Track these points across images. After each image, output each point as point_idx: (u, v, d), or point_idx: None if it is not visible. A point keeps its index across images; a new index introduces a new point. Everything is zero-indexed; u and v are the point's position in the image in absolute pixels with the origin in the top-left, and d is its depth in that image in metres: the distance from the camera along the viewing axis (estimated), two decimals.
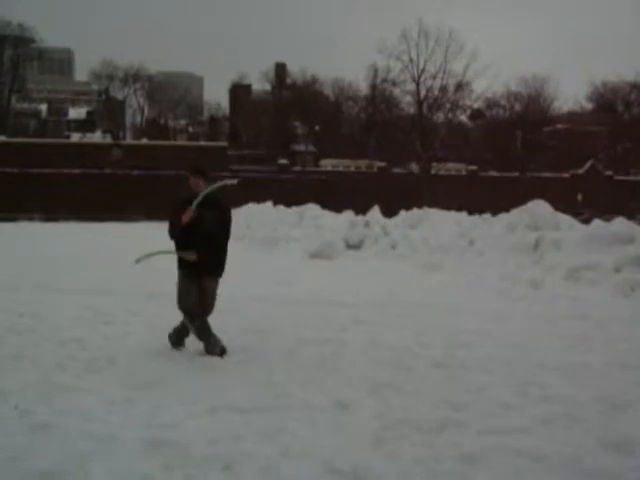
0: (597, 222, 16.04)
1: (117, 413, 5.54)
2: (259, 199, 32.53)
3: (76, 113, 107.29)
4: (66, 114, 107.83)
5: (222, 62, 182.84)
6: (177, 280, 7.41)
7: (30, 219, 42.64)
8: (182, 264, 7.34)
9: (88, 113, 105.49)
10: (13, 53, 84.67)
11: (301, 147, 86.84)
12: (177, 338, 7.62)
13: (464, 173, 69.29)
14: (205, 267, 7.31)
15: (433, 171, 66.21)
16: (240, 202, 32.94)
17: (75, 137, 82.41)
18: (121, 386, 6.23)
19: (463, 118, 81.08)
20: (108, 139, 75.16)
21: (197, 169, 7.52)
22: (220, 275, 7.50)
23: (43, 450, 4.81)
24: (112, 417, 5.45)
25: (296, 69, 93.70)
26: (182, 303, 7.34)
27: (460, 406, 5.81)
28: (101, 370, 6.78)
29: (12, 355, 7.33)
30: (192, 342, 7.59)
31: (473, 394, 6.15)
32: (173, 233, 7.31)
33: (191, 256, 7.19)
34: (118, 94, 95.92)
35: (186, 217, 7.07)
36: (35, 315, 9.59)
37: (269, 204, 30.65)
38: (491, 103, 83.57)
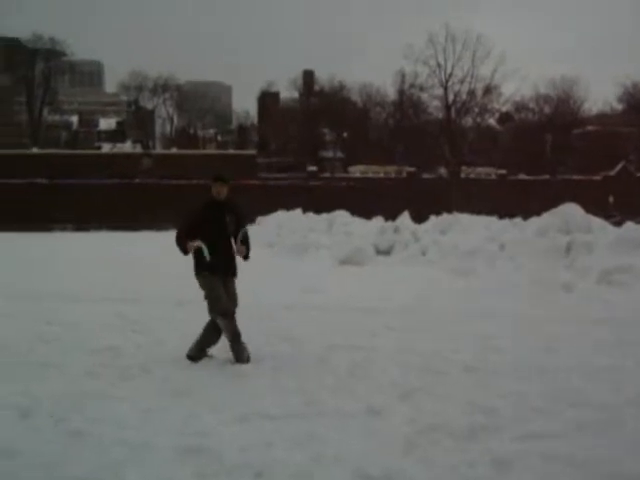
0: (629, 224, 15.87)
1: (150, 421, 5.59)
2: (288, 206, 32.50)
3: (106, 124, 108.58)
4: (96, 125, 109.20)
5: (250, 71, 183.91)
6: (204, 286, 7.46)
7: (62, 229, 43.14)
8: (207, 267, 7.38)
9: (118, 124, 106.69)
10: (45, 66, 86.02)
11: (329, 154, 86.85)
12: (198, 351, 7.58)
13: (493, 177, 68.92)
14: (231, 268, 7.56)
15: (462, 175, 66.03)
16: (269, 210, 33.04)
17: (106, 147, 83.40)
18: (154, 394, 6.29)
19: (492, 122, 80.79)
20: (138, 149, 75.96)
21: (219, 177, 7.64)
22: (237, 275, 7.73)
23: (77, 458, 4.86)
24: (146, 425, 5.50)
25: (324, 76, 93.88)
26: (222, 306, 7.37)
27: (492, 411, 5.77)
28: (134, 378, 6.85)
29: (44, 364, 7.43)
30: (222, 350, 7.62)
31: (505, 399, 6.10)
32: (179, 243, 7.40)
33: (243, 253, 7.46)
34: (147, 104, 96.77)
35: (190, 248, 7.30)
36: (65, 324, 9.71)
37: (298, 211, 30.64)
38: (520, 106, 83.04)
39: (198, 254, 7.35)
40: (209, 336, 7.57)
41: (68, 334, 8.99)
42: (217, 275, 7.40)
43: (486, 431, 5.32)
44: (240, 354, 7.38)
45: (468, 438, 5.20)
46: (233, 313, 7.47)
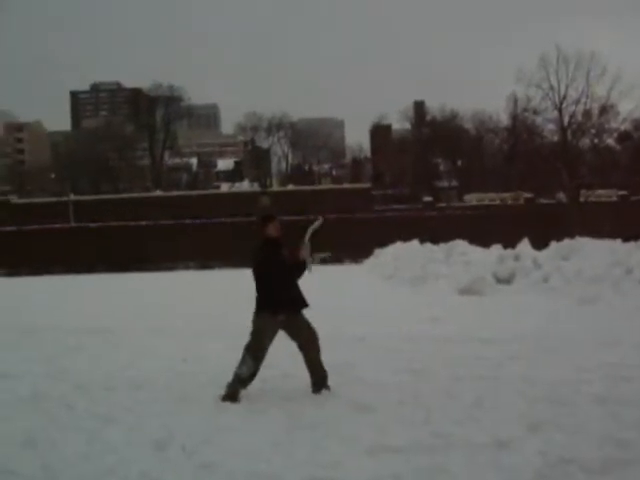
0: None
1: (280, 453, 5.70)
2: (405, 238, 32.42)
3: (224, 164, 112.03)
4: (215, 166, 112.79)
5: (361, 104, 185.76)
6: (259, 328, 7.68)
7: (186, 268, 44.48)
8: (272, 304, 7.62)
9: (235, 163, 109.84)
10: (165, 112, 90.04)
11: (444, 183, 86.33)
12: (320, 381, 7.70)
13: (615, 199, 66.52)
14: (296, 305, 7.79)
15: (582, 199, 64.08)
16: (386, 241, 33.06)
17: (224, 187, 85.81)
18: (282, 427, 6.41)
19: (610, 142, 78.14)
20: (256, 187, 77.66)
21: (273, 216, 8.04)
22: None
23: None
24: (275, 457, 5.61)
25: (435, 105, 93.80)
26: (260, 355, 7.66)
27: (626, 443, 5.58)
28: (262, 411, 7.00)
29: (178, 398, 7.69)
30: (344, 384, 7.69)
31: (639, 430, 5.90)
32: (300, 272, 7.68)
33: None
34: (263, 143, 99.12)
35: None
36: (198, 359, 10.01)
37: (415, 242, 30.53)
38: (639, 124, 79.98)
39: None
40: (322, 367, 7.70)
41: (199, 369, 9.29)
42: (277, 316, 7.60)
43: (621, 464, 5.15)
44: (229, 392, 7.49)
45: (602, 472, 5.05)
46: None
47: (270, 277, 7.54)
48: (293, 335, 7.74)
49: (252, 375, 7.58)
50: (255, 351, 7.56)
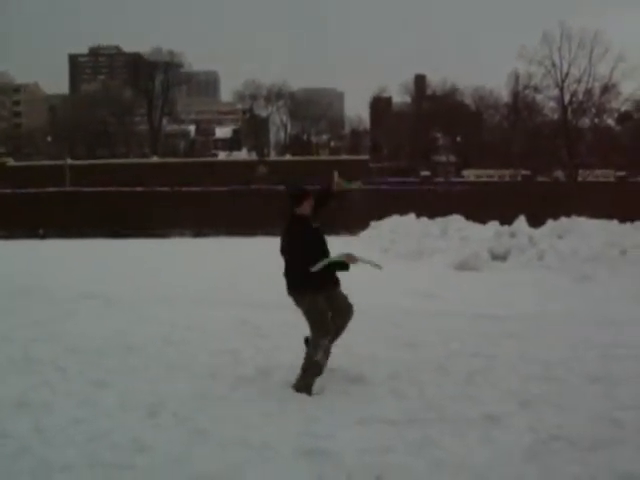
0: None
1: (272, 423, 5.71)
2: (402, 211, 32.35)
3: (222, 132, 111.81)
4: (213, 134, 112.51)
5: (362, 76, 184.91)
6: (313, 306, 6.81)
7: (181, 235, 44.42)
8: (315, 281, 6.76)
9: (234, 132, 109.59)
10: (164, 78, 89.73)
11: (443, 158, 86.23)
12: (310, 383, 6.67)
13: (612, 179, 66.53)
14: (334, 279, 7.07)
15: (580, 178, 64.10)
16: (383, 214, 33.00)
17: (222, 155, 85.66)
18: (275, 397, 6.41)
19: (610, 122, 78.03)
20: (253, 156, 77.51)
21: (309, 191, 7.28)
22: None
23: (201, 456, 5.07)
24: (267, 426, 5.63)
25: (436, 79, 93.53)
26: (330, 329, 6.81)
27: (618, 423, 5.60)
28: (255, 382, 7.00)
29: (169, 365, 7.71)
30: (337, 356, 7.70)
31: (631, 410, 5.90)
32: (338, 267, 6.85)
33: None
34: (262, 112, 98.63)
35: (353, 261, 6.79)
36: (190, 326, 10.01)
37: (412, 216, 30.45)
38: None
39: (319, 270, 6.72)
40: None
41: (193, 337, 9.30)
42: (326, 287, 6.91)
43: (611, 443, 5.16)
44: (305, 384, 6.61)
45: (592, 450, 5.06)
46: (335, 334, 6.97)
47: (310, 255, 6.76)
48: (332, 309, 6.93)
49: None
50: (325, 329, 6.72)
